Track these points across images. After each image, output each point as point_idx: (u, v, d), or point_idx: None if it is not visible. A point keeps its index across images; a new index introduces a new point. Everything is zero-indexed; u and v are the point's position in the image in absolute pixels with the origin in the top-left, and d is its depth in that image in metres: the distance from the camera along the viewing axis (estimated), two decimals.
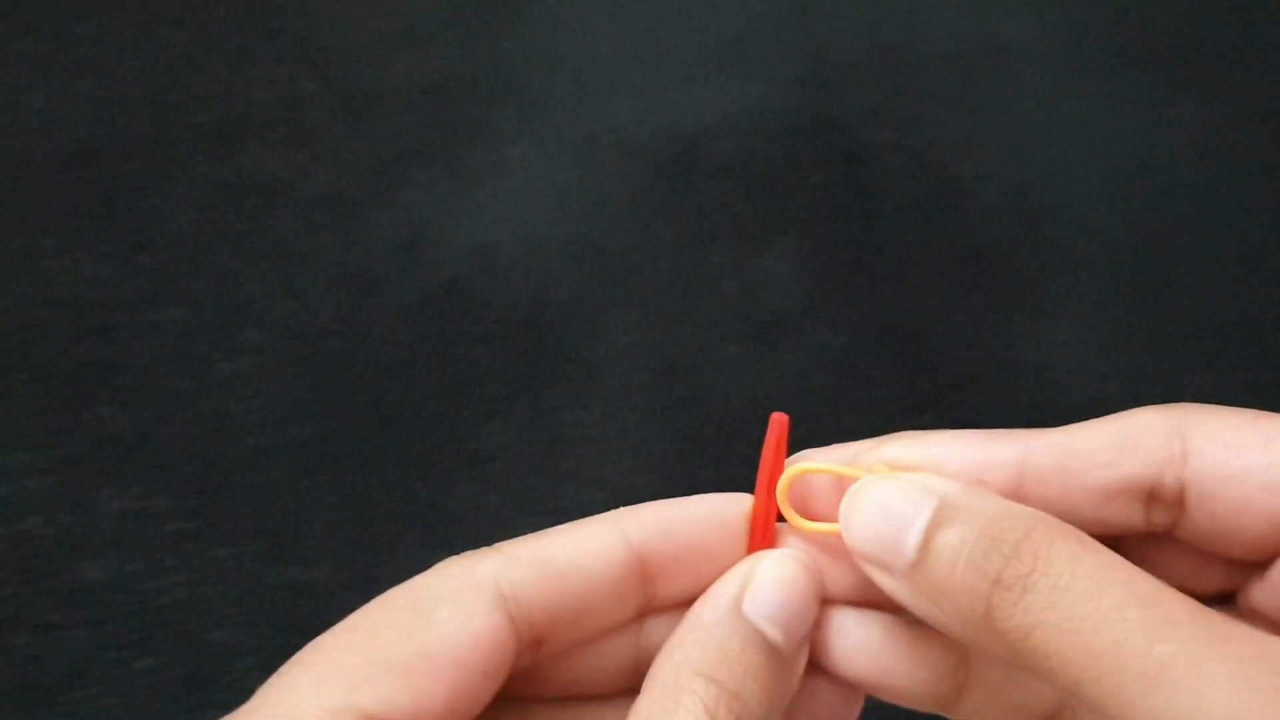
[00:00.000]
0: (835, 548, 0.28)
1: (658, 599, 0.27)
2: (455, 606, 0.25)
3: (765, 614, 0.26)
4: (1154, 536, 0.27)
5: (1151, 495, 0.26)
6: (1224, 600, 0.28)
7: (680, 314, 0.52)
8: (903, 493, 0.26)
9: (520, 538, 0.26)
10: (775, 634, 0.26)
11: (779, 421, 0.29)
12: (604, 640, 0.27)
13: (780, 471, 0.28)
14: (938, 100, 0.55)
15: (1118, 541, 0.28)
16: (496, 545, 0.26)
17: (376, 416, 0.51)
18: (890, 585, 0.26)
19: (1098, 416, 0.27)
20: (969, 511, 0.25)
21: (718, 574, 0.27)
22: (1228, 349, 0.54)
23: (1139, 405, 0.30)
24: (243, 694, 0.23)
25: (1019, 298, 0.53)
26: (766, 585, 0.26)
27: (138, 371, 0.50)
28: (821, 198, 0.54)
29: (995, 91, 0.55)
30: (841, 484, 0.28)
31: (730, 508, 0.28)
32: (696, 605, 0.27)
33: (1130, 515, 0.27)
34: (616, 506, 0.27)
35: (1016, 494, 0.27)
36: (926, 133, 0.54)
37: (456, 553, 0.26)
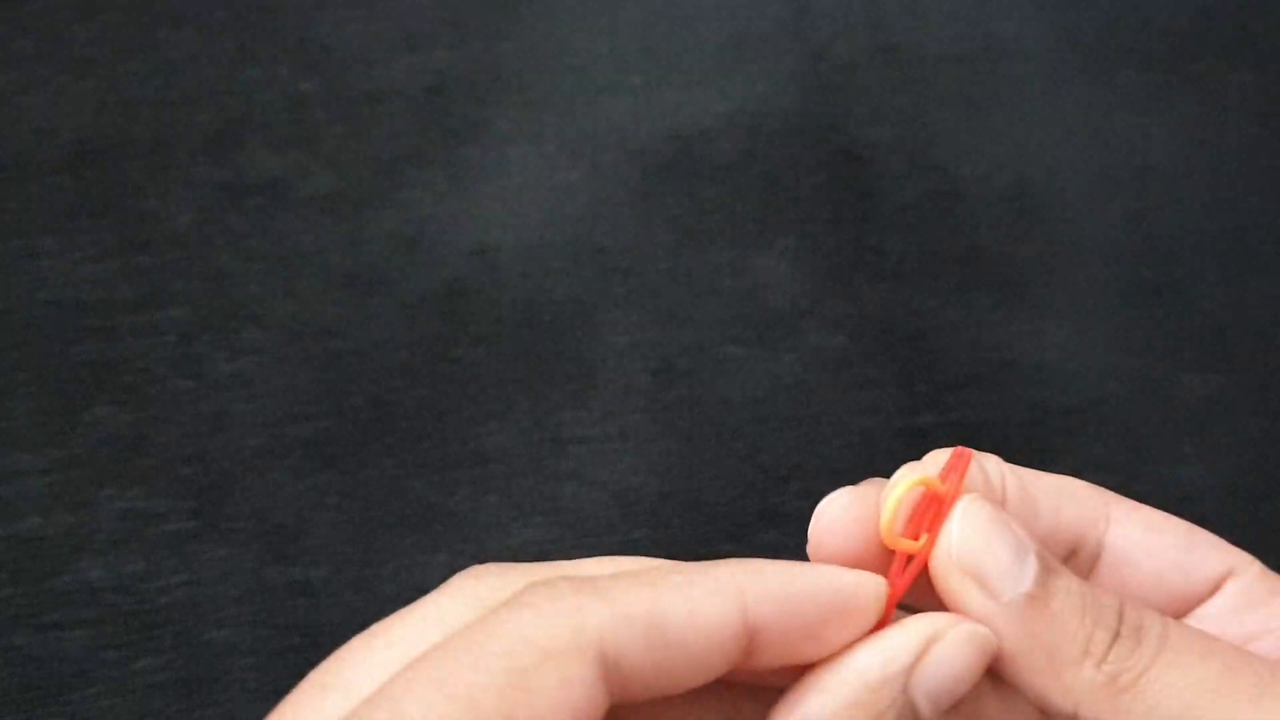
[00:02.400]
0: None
1: (752, 662, 0.25)
2: (558, 674, 0.22)
3: (929, 693, 0.25)
4: None
5: (1072, 553, 0.28)
6: None
7: (679, 314, 0.52)
8: (1012, 524, 0.26)
9: (627, 577, 0.24)
10: (927, 711, 0.25)
11: (962, 455, 0.27)
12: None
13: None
14: (937, 100, 0.55)
15: None
16: (599, 584, 0.23)
17: (376, 416, 0.51)
18: (983, 608, 0.25)
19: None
20: (1064, 568, 0.26)
21: (825, 654, 0.25)
22: (1228, 349, 0.54)
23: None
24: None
25: (1019, 298, 0.53)
26: (947, 661, 0.25)
27: (137, 372, 0.50)
28: (821, 198, 0.54)
29: (995, 92, 0.55)
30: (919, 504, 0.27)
31: (863, 590, 0.26)
32: (850, 660, 0.25)
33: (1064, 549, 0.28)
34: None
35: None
36: (926, 133, 0.54)
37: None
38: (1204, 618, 0.28)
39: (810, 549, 0.28)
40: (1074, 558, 0.28)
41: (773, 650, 0.25)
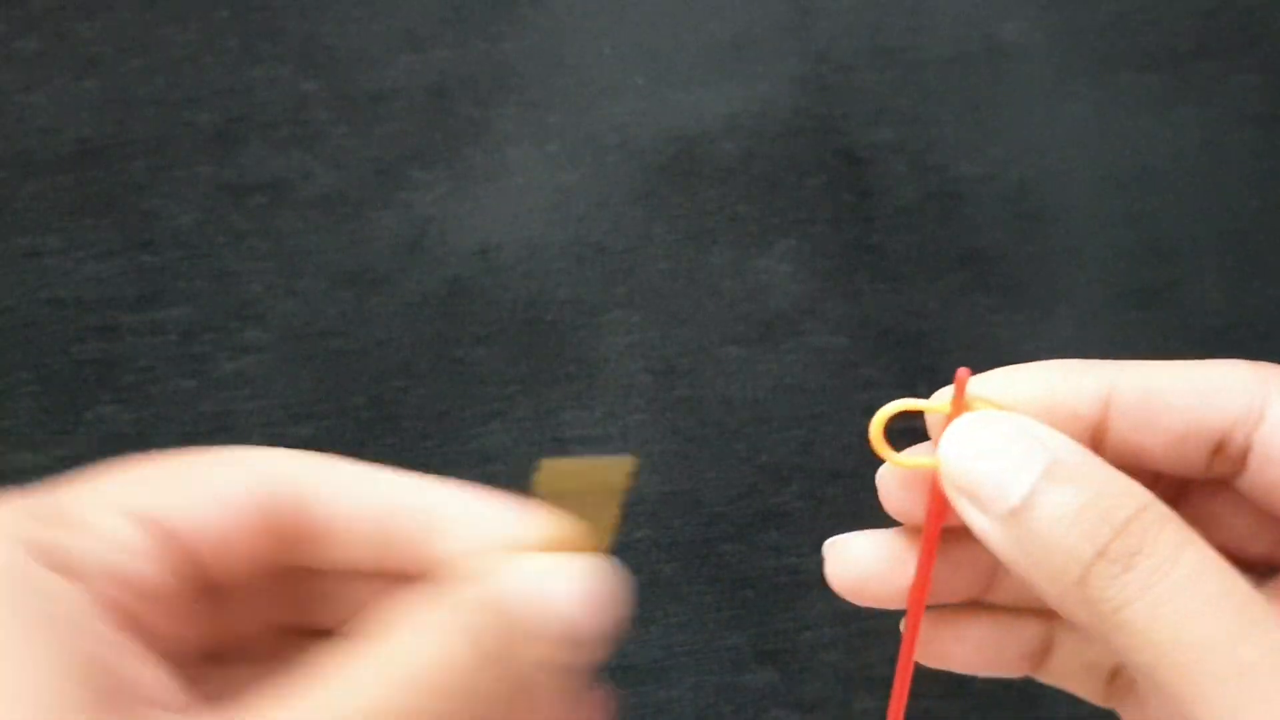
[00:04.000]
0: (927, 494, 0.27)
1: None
2: (229, 454, 0.26)
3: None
4: (1213, 484, 0.28)
5: (1220, 446, 0.27)
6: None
7: (681, 315, 0.52)
8: (1016, 437, 0.26)
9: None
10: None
11: (961, 377, 0.28)
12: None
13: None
14: (938, 102, 0.55)
15: (1180, 485, 0.28)
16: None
17: (378, 416, 0.51)
18: (980, 523, 0.26)
19: None
20: (1083, 476, 0.25)
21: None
22: (1228, 351, 0.54)
23: None
24: None
25: (1019, 299, 0.53)
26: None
27: (140, 370, 0.50)
28: (822, 199, 0.54)
29: (996, 93, 0.55)
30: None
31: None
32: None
33: (1195, 460, 0.27)
34: None
35: (1099, 425, 0.27)
36: (927, 134, 0.54)
37: None
38: None
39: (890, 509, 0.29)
40: (1219, 454, 0.27)
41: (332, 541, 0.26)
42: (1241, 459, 0.27)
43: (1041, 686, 0.31)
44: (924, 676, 0.29)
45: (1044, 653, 0.30)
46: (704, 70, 0.55)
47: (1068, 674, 0.30)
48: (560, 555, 0.25)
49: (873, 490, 0.29)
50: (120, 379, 0.50)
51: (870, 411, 0.29)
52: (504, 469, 0.50)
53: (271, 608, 0.27)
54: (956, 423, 0.27)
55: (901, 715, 0.27)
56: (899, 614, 0.29)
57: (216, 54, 0.53)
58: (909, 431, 0.29)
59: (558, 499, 0.26)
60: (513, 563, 0.25)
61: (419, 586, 0.25)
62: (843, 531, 0.30)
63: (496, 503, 0.26)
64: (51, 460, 0.49)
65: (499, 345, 0.52)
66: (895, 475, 0.29)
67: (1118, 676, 0.30)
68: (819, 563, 0.30)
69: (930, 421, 0.28)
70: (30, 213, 0.51)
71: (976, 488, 0.26)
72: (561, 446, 0.51)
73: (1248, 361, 0.27)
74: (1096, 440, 0.27)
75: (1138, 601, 0.24)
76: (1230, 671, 0.23)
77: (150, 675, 0.22)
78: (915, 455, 0.28)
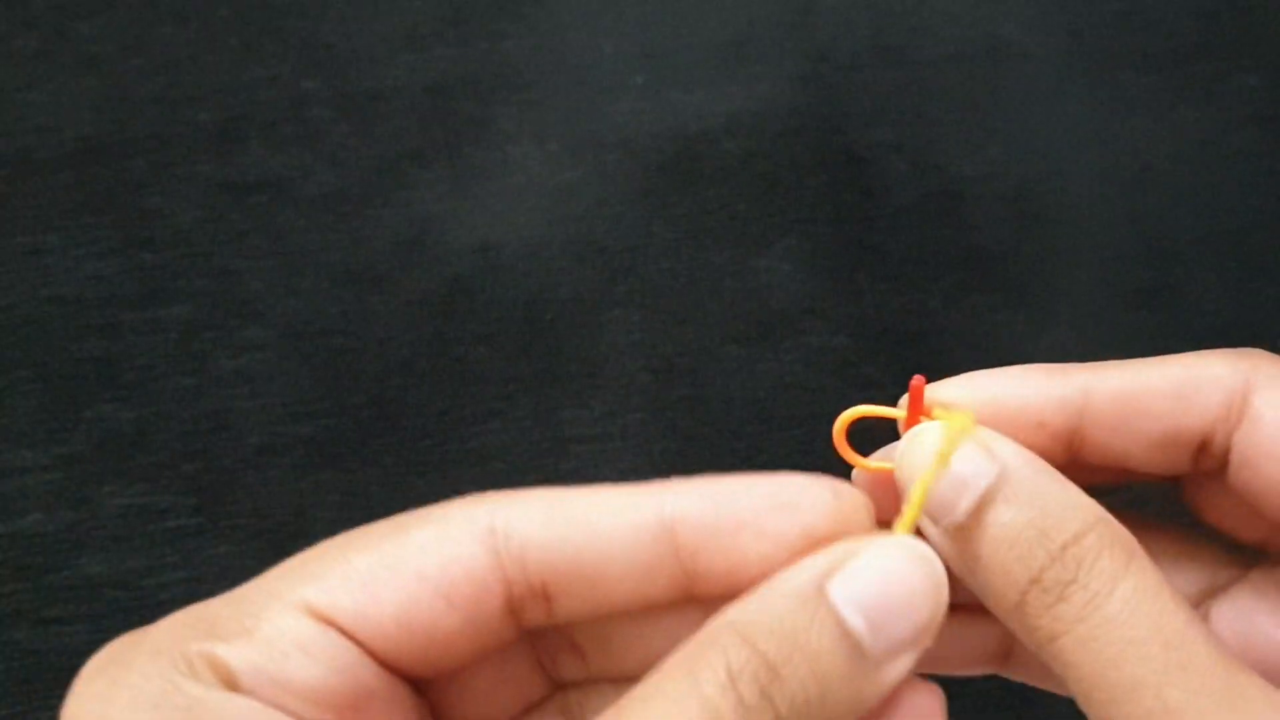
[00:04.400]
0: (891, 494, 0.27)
1: (701, 583, 0.24)
2: (435, 529, 0.24)
3: (854, 598, 0.23)
4: (1206, 475, 0.27)
5: (1201, 447, 0.26)
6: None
7: (681, 314, 0.52)
8: (965, 449, 0.25)
9: (544, 489, 0.24)
10: (859, 624, 0.23)
11: (916, 387, 0.27)
12: (650, 623, 0.25)
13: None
14: (939, 101, 0.55)
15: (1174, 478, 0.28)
16: (516, 490, 0.24)
17: (378, 415, 0.51)
18: (931, 532, 0.25)
19: None
20: (1027, 494, 0.24)
21: (770, 568, 0.24)
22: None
23: None
24: None
25: (1020, 299, 0.53)
26: (869, 569, 0.23)
27: (139, 369, 0.50)
28: (822, 198, 0.54)
29: (996, 93, 0.55)
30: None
31: (790, 491, 0.25)
32: (775, 576, 0.24)
33: (1178, 462, 0.27)
34: None
35: (1075, 434, 0.26)
36: (928, 134, 0.54)
37: None
38: None
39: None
40: (1202, 455, 0.26)
41: (710, 556, 0.24)
42: (1223, 459, 0.26)
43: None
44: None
45: (1006, 651, 0.30)
46: (705, 69, 0.55)
47: (1031, 672, 0.30)
48: (864, 543, 0.24)
49: None
50: (120, 377, 0.50)
51: None
52: (504, 468, 0.50)
53: (519, 680, 0.26)
54: (909, 433, 0.26)
55: None
56: None
57: (217, 52, 0.53)
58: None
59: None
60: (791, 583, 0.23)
61: (690, 620, 0.23)
62: None
63: (779, 487, 0.24)
64: (52, 459, 0.49)
65: (499, 344, 0.52)
66: (863, 477, 0.28)
67: None
68: None
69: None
70: (30, 211, 0.51)
71: (927, 501, 0.25)
72: (561, 445, 0.51)
73: (1227, 353, 0.26)
74: (1073, 447, 0.27)
75: (1068, 635, 0.23)
76: (1156, 711, 0.22)
77: None
78: (880, 458, 0.28)
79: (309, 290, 0.52)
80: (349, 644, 0.23)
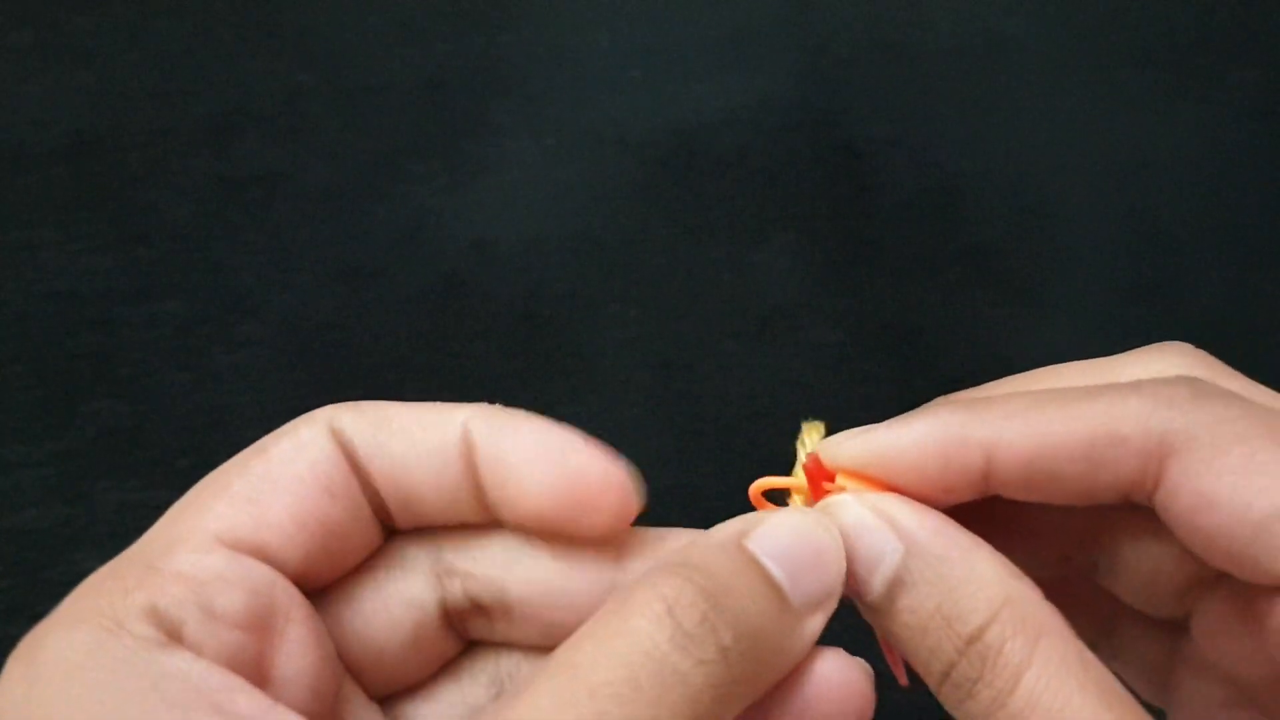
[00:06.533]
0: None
1: (497, 508, 0.25)
2: (289, 440, 0.25)
3: (770, 551, 0.24)
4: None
5: (1123, 499, 0.26)
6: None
7: (678, 309, 0.52)
8: (868, 530, 0.25)
9: (373, 402, 0.26)
10: (779, 572, 0.23)
11: (810, 467, 0.27)
12: (556, 590, 0.25)
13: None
14: (937, 96, 0.55)
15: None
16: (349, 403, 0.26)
17: None
18: (860, 605, 0.25)
19: None
20: (932, 576, 0.24)
21: (546, 496, 0.25)
22: (1228, 348, 0.53)
23: None
24: None
25: (1018, 294, 0.53)
26: (781, 526, 0.24)
27: (135, 364, 0.50)
28: (820, 193, 0.54)
29: (995, 88, 0.55)
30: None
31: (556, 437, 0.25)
32: (692, 538, 0.25)
33: (1104, 503, 0.26)
34: None
35: (986, 483, 0.26)
36: (926, 129, 0.54)
37: None
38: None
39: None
40: (1133, 513, 0.26)
41: (502, 483, 0.25)
42: (1150, 511, 0.25)
43: None
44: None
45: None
46: (702, 64, 0.54)
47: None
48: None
49: None
50: (115, 372, 0.50)
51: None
52: None
53: (431, 640, 0.26)
54: (821, 506, 0.26)
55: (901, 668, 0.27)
56: None
57: (211, 47, 0.53)
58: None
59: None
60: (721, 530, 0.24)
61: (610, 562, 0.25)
62: None
63: None
64: (47, 454, 0.49)
65: (495, 339, 0.51)
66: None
67: None
68: None
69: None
70: (25, 206, 0.51)
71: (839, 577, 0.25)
72: None
73: (1143, 396, 0.25)
74: (989, 485, 0.26)
75: None
76: None
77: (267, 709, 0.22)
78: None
79: (304, 285, 0.51)
80: (259, 564, 0.24)
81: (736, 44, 0.55)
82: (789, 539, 0.24)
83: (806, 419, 0.28)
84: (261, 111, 0.53)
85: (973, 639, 0.24)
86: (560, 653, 0.22)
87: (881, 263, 0.53)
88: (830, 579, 0.24)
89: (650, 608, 0.22)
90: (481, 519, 0.26)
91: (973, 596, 0.24)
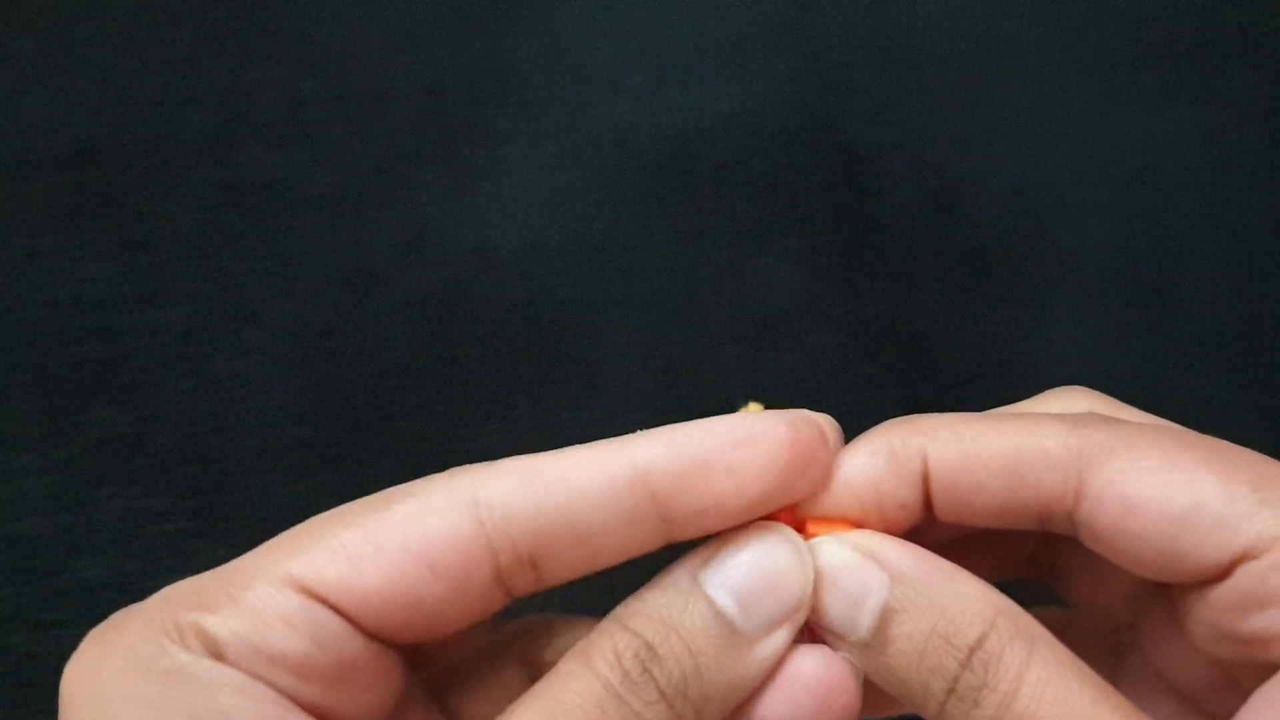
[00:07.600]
0: None
1: (678, 527, 0.25)
2: (418, 502, 0.24)
3: (724, 583, 0.25)
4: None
5: (1046, 517, 0.27)
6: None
7: (679, 314, 0.52)
8: (850, 567, 0.25)
9: (520, 457, 0.26)
10: (729, 604, 0.24)
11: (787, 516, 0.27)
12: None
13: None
14: (937, 100, 0.55)
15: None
16: (495, 461, 0.25)
17: (376, 417, 0.51)
18: (842, 649, 0.26)
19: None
20: (925, 599, 0.25)
21: (742, 504, 0.25)
22: (1228, 349, 0.54)
23: (1138, 405, 0.30)
24: None
25: (1019, 298, 0.53)
26: (733, 556, 0.25)
27: (137, 371, 0.50)
28: (821, 198, 0.54)
29: (995, 91, 0.55)
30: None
31: (747, 427, 0.25)
32: (659, 575, 0.26)
33: (1030, 525, 0.27)
34: None
35: (928, 497, 0.27)
36: (926, 132, 0.54)
37: None
38: (1209, 606, 0.25)
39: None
40: (1050, 522, 0.27)
41: (684, 500, 0.25)
42: (1071, 528, 0.26)
43: None
44: None
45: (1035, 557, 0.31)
46: (702, 69, 0.55)
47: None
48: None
49: None
50: (118, 380, 0.50)
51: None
52: None
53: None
54: (774, 531, 0.26)
55: None
56: None
57: (213, 54, 0.53)
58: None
59: None
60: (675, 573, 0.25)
61: None
62: None
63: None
64: (49, 462, 0.49)
65: (497, 345, 0.51)
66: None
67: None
68: None
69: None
70: (27, 214, 0.51)
71: (823, 622, 0.25)
72: (560, 446, 0.50)
73: (1061, 420, 0.26)
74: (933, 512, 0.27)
75: None
76: None
77: None
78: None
79: (306, 292, 0.51)
80: (333, 616, 0.24)
81: (736, 50, 0.55)
82: (745, 567, 0.25)
83: (743, 400, 0.28)
84: (263, 119, 0.53)
85: (974, 649, 0.24)
86: (535, 688, 0.24)
87: (883, 267, 0.53)
88: (790, 596, 0.25)
89: (605, 655, 0.24)
90: (651, 547, 0.26)
91: (966, 612, 0.25)
